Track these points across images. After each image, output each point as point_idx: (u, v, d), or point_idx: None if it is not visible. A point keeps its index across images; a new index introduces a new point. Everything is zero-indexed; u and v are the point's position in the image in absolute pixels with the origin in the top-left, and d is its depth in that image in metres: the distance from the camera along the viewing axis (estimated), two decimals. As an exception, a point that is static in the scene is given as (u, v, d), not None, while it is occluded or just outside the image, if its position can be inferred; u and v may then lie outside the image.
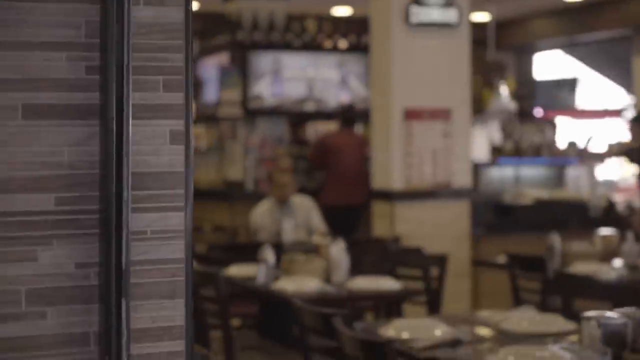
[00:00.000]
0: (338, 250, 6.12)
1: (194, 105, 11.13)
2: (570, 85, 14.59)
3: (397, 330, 4.38)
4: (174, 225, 1.87)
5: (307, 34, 11.58)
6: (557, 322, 4.54)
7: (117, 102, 1.76)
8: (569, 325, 4.47)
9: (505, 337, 4.38)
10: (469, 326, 4.65)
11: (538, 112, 13.92)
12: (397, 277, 6.52)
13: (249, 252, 6.85)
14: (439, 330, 4.35)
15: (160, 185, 1.85)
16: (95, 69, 1.79)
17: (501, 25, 14.61)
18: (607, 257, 6.99)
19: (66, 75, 1.79)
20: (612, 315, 3.80)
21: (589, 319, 3.75)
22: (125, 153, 1.76)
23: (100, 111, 1.79)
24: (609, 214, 9.40)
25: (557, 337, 4.32)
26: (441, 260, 6.56)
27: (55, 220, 1.80)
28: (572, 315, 4.87)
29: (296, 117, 11.72)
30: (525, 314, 4.82)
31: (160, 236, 1.86)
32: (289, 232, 8.09)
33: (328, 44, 11.77)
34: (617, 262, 6.73)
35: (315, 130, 11.99)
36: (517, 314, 4.77)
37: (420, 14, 8.60)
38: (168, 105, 1.85)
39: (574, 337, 4.24)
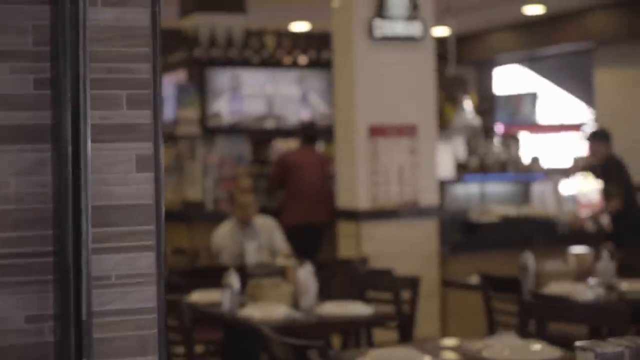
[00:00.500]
0: (306, 274, 5.85)
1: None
2: (530, 99, 14.45)
3: (374, 361, 4.12)
4: (143, 268, 1.55)
5: (266, 50, 11.32)
6: (541, 350, 4.28)
7: (72, 121, 1.45)
8: (554, 352, 4.22)
9: (488, 367, 4.14)
10: (449, 355, 4.38)
11: (499, 127, 13.76)
12: (366, 300, 6.26)
13: (210, 275, 6.59)
14: (420, 362, 4.09)
15: (126, 221, 1.54)
16: (45, 82, 1.47)
17: (461, 40, 14.45)
18: (581, 275, 6.78)
19: (10, 91, 1.48)
20: (607, 344, 3.55)
21: (584, 349, 3.49)
22: (83, 183, 1.45)
23: (52, 133, 1.47)
24: (578, 233, 9.25)
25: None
26: (413, 283, 6.30)
27: (0, 265, 1.49)
28: (549, 338, 4.66)
29: (256, 135, 11.46)
30: (506, 340, 4.56)
31: (127, 282, 1.55)
32: (252, 254, 7.84)
33: (287, 60, 11.52)
34: (592, 281, 6.51)
35: (276, 148, 11.74)
36: (499, 342, 4.50)
37: (384, 28, 8.37)
38: (133, 125, 1.54)
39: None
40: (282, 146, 11.67)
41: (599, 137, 9.12)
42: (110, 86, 1.55)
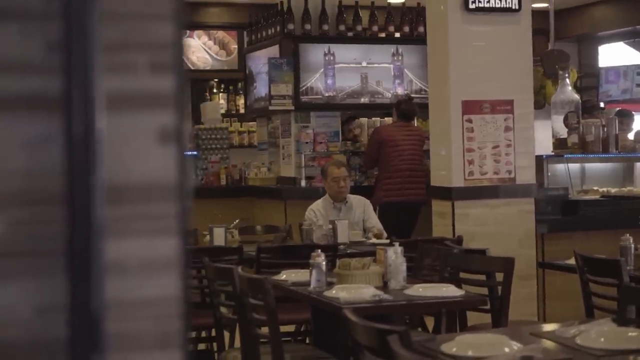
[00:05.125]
0: (395, 254, 5.66)
1: (240, 100, 10.92)
2: (635, 73, 13.96)
3: (460, 347, 3.92)
4: (165, 254, 1.37)
5: (360, 25, 11.11)
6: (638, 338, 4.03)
7: (84, 89, 1.28)
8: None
9: (581, 355, 3.90)
10: (539, 342, 4.16)
11: (602, 104, 13.34)
12: (459, 282, 6.05)
13: (302, 254, 6.45)
14: (507, 348, 3.88)
15: (146, 201, 1.37)
16: (55, 45, 1.30)
17: (562, 13, 14.04)
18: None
19: (16, 55, 1.31)
20: None
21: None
22: (97, 158, 1.29)
23: (63, 102, 1.30)
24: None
25: (640, 354, 3.84)
26: (507, 264, 6.04)
27: (5, 250, 1.33)
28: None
29: (350, 111, 11.28)
30: (602, 326, 4.30)
31: (146, 269, 1.37)
32: (343, 233, 7.69)
33: (382, 34, 11.30)
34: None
35: (367, 124, 11.56)
36: (594, 328, 4.25)
37: (479, -1, 8.10)
38: (154, 94, 1.36)
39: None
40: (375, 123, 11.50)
41: None
42: (127, 49, 1.37)
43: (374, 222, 8.31)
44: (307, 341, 7.11)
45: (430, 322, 6.72)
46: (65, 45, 1.30)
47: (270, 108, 10.75)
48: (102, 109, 1.31)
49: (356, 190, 8.75)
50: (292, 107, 10.67)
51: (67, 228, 1.31)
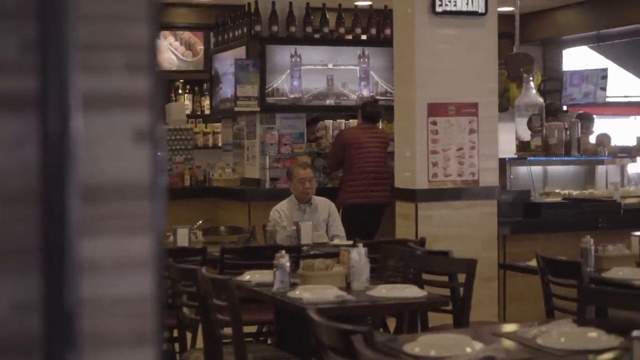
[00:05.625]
0: (358, 256, 5.69)
1: (205, 101, 10.90)
2: (598, 78, 14.07)
3: (423, 347, 3.96)
4: (139, 253, 1.39)
5: (327, 27, 11.13)
6: (598, 338, 4.08)
7: (59, 89, 1.30)
8: (612, 341, 4.01)
9: (542, 355, 3.95)
10: (501, 342, 4.20)
11: (565, 107, 13.43)
12: (423, 283, 6.10)
13: (265, 255, 6.46)
14: (469, 348, 3.92)
15: (120, 200, 1.39)
16: (29, 44, 1.32)
17: (526, 17, 14.14)
18: (644, 260, 6.55)
19: (-7, 54, 1.33)
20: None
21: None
22: (71, 157, 1.30)
23: (37, 101, 1.32)
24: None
25: (599, 354, 3.89)
26: (469, 265, 6.10)
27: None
28: (608, 326, 4.44)
29: (315, 113, 11.30)
30: (562, 327, 4.36)
31: (120, 267, 1.39)
32: (308, 233, 7.71)
33: (349, 36, 11.33)
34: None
35: (332, 126, 11.59)
36: (555, 328, 4.30)
37: (446, 2, 8.14)
38: (128, 94, 1.39)
39: (615, 355, 3.79)
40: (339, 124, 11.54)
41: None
42: (102, 49, 1.39)
43: (339, 230, 8.31)
44: (269, 342, 7.12)
45: (392, 322, 6.77)
46: (41, 45, 1.31)
47: (236, 109, 10.76)
48: (77, 109, 1.33)
49: (320, 192, 8.76)
50: (258, 109, 10.69)
51: (42, 226, 1.33)
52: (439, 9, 8.13)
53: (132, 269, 1.41)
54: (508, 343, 4.21)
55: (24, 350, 1.36)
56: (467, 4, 8.23)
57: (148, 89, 1.41)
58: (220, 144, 12.88)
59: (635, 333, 3.45)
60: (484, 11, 8.29)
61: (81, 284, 1.34)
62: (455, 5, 8.18)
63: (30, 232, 1.35)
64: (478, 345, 3.93)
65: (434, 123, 8.18)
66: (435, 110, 8.19)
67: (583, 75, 14.28)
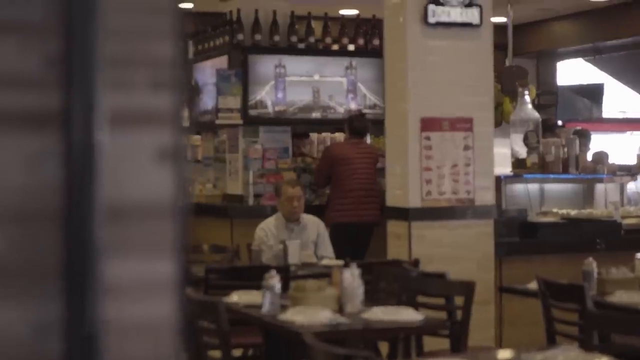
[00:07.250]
0: (351, 277, 5.72)
1: (188, 113, 10.86)
2: (596, 93, 14.18)
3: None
4: (162, 275, 1.42)
5: (312, 36, 11.17)
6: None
7: (83, 106, 1.33)
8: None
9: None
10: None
11: (561, 123, 13.53)
12: (417, 306, 6.13)
13: (251, 276, 6.48)
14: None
15: (143, 220, 1.42)
16: (55, 60, 1.35)
17: (521, 29, 14.23)
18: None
19: (15, 69, 1.36)
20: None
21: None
22: (95, 176, 1.33)
23: (61, 118, 1.35)
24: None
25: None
26: (467, 288, 6.14)
27: (1, 268, 1.36)
28: (614, 352, 4.50)
29: (301, 126, 11.32)
30: (567, 353, 4.40)
31: (143, 289, 1.42)
32: (295, 254, 7.71)
33: (335, 47, 11.36)
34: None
35: (318, 140, 11.62)
36: (559, 355, 4.33)
37: (439, 13, 8.18)
38: (153, 112, 1.42)
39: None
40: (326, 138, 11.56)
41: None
42: (128, 66, 1.42)
43: (328, 251, 8.30)
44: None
45: (384, 347, 6.78)
46: (66, 60, 1.34)
47: (217, 122, 10.77)
48: (102, 126, 1.36)
49: (307, 209, 8.77)
50: (240, 122, 10.69)
51: (64, 247, 1.35)
52: (431, 20, 8.16)
53: (155, 290, 1.44)
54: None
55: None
56: (461, 14, 8.27)
57: (172, 106, 1.44)
58: (200, 158, 12.89)
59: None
60: (478, 22, 8.32)
61: (103, 306, 1.37)
62: (449, 15, 8.22)
63: (52, 253, 1.38)
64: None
65: (428, 138, 8.20)
66: (430, 124, 8.21)
67: (578, 90, 14.39)
